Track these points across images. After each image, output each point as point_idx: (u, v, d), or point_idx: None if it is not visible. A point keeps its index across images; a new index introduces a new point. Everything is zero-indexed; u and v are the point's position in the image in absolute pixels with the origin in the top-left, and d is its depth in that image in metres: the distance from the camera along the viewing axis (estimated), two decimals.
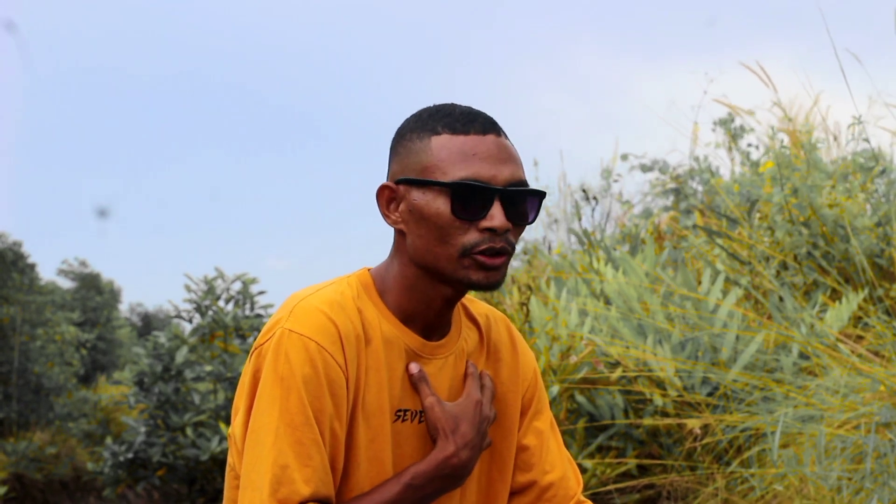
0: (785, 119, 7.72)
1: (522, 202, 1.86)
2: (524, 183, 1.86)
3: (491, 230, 1.82)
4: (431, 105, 1.91)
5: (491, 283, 1.84)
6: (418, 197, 1.84)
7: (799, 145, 7.59)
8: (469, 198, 1.81)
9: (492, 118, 1.89)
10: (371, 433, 1.84)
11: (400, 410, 1.88)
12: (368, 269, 1.94)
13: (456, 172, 1.82)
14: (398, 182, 1.86)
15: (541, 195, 1.88)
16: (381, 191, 1.89)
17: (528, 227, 1.92)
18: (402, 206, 1.86)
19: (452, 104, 1.89)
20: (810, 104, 8.73)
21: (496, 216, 1.82)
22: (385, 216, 1.89)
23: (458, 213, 1.81)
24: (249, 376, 1.83)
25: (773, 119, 8.20)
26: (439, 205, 1.82)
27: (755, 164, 8.88)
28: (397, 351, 1.88)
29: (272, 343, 1.80)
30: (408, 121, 1.90)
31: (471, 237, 1.82)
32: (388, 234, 1.93)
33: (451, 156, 1.83)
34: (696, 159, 9.65)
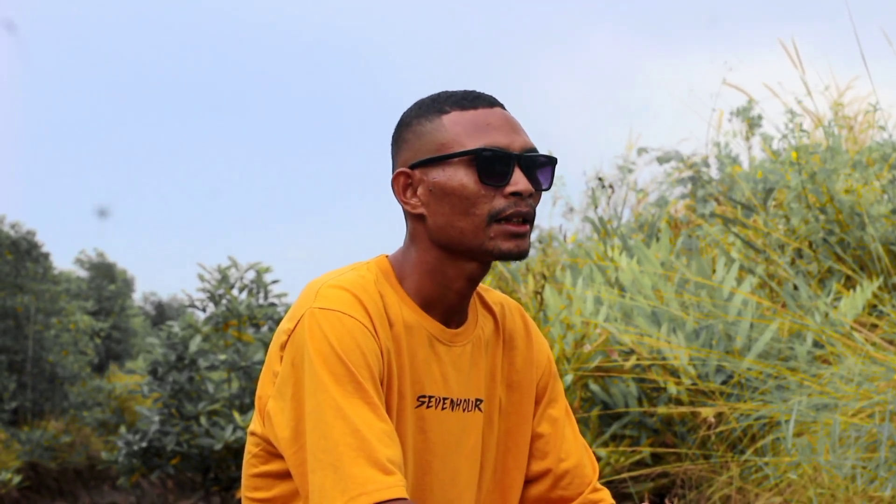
0: (807, 98, 7.67)
1: (538, 169, 1.88)
2: (536, 151, 1.88)
3: (516, 194, 1.83)
4: (425, 96, 1.92)
5: (521, 251, 1.84)
6: (438, 174, 1.84)
7: (820, 126, 7.55)
8: (492, 164, 1.82)
9: (493, 95, 1.91)
10: (393, 416, 1.83)
11: (423, 396, 1.87)
12: (386, 256, 1.94)
13: (474, 143, 1.83)
14: (413, 166, 1.87)
15: (553, 162, 1.89)
16: (397, 178, 1.89)
17: (542, 216, 1.91)
18: (420, 190, 1.86)
19: (447, 90, 1.91)
20: (832, 90, 8.69)
21: (520, 181, 1.83)
22: (403, 203, 1.89)
23: (484, 179, 1.82)
24: (288, 365, 1.78)
25: (794, 103, 8.13)
26: (462, 176, 1.83)
27: (774, 141, 8.84)
28: (418, 337, 1.87)
29: (304, 323, 1.78)
30: (408, 112, 1.91)
31: (497, 203, 1.83)
32: (402, 221, 1.93)
33: (466, 129, 1.85)
34: (718, 146, 9.61)
